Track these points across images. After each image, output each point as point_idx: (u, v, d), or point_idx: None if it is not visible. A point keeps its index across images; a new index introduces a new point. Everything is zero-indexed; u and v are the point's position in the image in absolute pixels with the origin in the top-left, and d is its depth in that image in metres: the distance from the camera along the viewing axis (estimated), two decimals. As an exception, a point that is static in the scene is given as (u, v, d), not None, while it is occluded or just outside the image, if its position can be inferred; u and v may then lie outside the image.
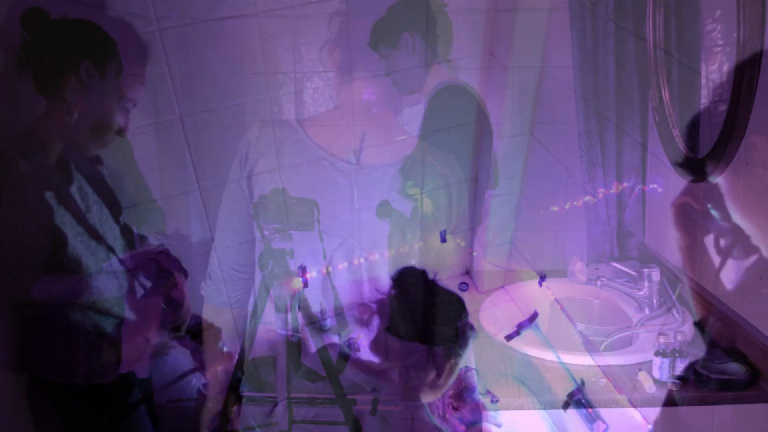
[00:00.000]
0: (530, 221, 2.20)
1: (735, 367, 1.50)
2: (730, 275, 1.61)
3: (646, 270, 1.83)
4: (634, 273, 1.92)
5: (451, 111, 1.99)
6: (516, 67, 2.18)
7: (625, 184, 2.16)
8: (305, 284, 1.76)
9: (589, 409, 1.69)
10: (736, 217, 1.56)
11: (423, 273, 1.52)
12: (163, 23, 1.83)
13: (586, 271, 2.05)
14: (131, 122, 1.52)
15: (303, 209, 1.81)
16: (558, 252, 2.26)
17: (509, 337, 1.60)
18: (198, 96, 2.15)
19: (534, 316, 1.65)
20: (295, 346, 1.84)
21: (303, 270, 1.74)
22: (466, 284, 1.88)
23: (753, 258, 1.51)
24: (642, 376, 1.52)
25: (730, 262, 1.61)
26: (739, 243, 1.57)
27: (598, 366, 1.59)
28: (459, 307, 1.47)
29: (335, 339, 1.81)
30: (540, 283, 1.93)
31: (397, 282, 1.48)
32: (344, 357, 1.77)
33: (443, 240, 1.94)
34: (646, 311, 1.83)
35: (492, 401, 1.51)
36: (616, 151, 2.11)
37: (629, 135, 2.10)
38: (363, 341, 1.73)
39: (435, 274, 1.52)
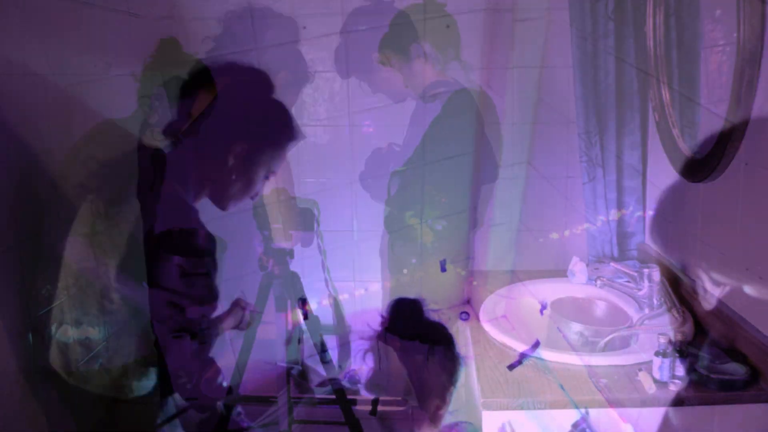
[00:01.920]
0: (531, 221, 2.20)
1: (735, 367, 1.50)
2: (730, 275, 1.61)
3: (646, 270, 1.83)
4: (634, 273, 1.91)
5: (462, 115, 2.00)
6: (516, 68, 2.19)
7: (626, 186, 2.16)
8: (305, 316, 1.77)
9: None
10: (737, 217, 1.56)
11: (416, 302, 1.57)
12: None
13: (586, 271, 2.05)
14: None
15: (303, 209, 1.81)
16: (558, 252, 2.26)
17: (512, 367, 1.62)
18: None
19: (536, 345, 1.67)
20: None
21: (303, 302, 1.75)
22: (467, 313, 1.89)
23: (753, 258, 1.51)
24: (642, 376, 1.52)
25: (730, 262, 1.61)
26: (739, 243, 1.57)
27: (599, 366, 1.59)
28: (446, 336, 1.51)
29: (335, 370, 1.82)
30: (541, 312, 1.95)
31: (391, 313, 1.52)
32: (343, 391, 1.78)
33: (443, 269, 1.95)
34: (646, 311, 1.82)
35: None
36: (616, 151, 2.11)
37: (629, 135, 2.10)
38: (363, 373, 1.75)
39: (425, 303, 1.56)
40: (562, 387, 1.59)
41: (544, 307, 1.94)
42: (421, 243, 1.99)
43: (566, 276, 2.08)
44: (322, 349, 1.86)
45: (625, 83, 2.05)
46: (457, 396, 1.78)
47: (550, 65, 2.16)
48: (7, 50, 1.40)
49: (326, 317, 2.02)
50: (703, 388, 1.48)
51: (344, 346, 1.93)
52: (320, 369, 1.94)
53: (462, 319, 1.89)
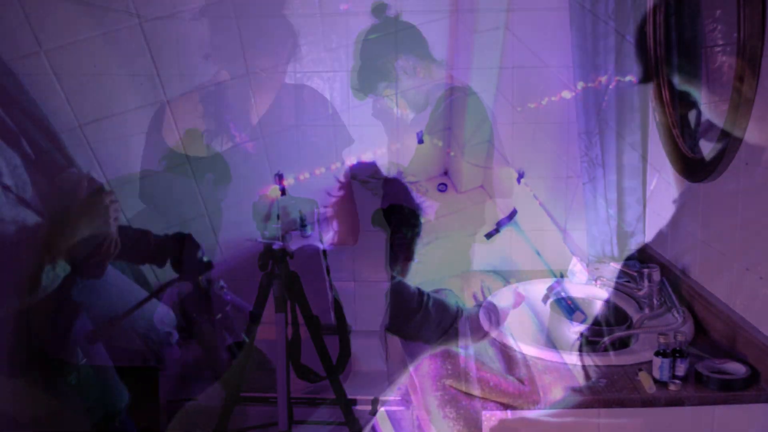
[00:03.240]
0: (530, 221, 2.20)
1: (735, 367, 1.50)
2: (730, 275, 1.61)
3: (646, 270, 1.83)
4: (634, 273, 1.91)
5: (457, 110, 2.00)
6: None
7: (626, 186, 2.16)
8: (283, 191, 1.75)
9: (569, 301, 1.70)
10: (736, 217, 1.56)
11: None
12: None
13: (586, 271, 2.04)
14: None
15: (304, 209, 1.81)
16: (558, 252, 2.26)
17: (489, 235, 1.62)
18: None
19: (513, 214, 1.66)
20: (294, 345, 1.84)
21: (280, 177, 1.73)
22: (445, 185, 1.88)
23: (753, 258, 1.51)
24: (642, 376, 1.52)
25: (730, 263, 1.61)
26: (739, 243, 1.57)
27: (599, 366, 1.59)
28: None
29: (316, 243, 1.82)
30: (518, 181, 1.94)
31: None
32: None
33: (420, 141, 1.93)
34: (646, 311, 1.83)
35: None
36: (616, 151, 2.11)
37: (629, 135, 2.10)
38: (328, 213, 1.75)
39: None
40: (538, 253, 1.60)
41: (521, 176, 1.94)
42: (398, 114, 1.98)
43: (566, 276, 2.08)
44: (302, 224, 1.84)
45: (625, 83, 2.05)
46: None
47: (551, 65, 2.16)
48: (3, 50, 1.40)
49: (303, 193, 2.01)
50: (703, 388, 1.48)
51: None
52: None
53: (440, 190, 1.89)
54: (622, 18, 2.00)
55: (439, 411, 1.52)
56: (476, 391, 1.49)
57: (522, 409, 1.47)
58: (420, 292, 1.65)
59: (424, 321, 1.61)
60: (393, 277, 1.63)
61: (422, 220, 1.61)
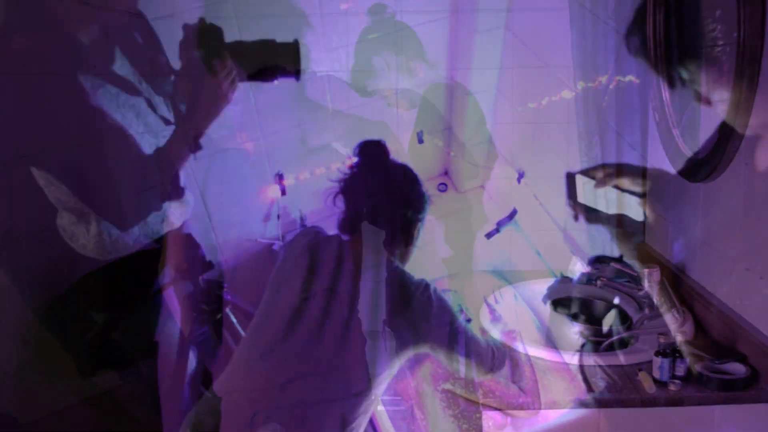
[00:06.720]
0: (530, 221, 2.20)
1: (735, 367, 1.50)
2: (730, 275, 1.61)
3: (646, 270, 1.83)
4: (634, 273, 1.91)
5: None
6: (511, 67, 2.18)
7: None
8: (283, 192, 1.74)
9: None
10: (737, 217, 1.56)
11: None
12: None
13: (586, 271, 2.04)
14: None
15: None
16: (558, 252, 2.26)
17: (489, 235, 1.61)
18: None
19: (513, 213, 1.66)
20: None
21: (280, 177, 1.72)
22: (445, 184, 1.88)
23: (753, 258, 1.51)
24: (642, 376, 1.52)
25: (730, 263, 1.61)
26: (739, 243, 1.57)
27: (599, 366, 1.59)
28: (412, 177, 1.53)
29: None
30: (519, 180, 1.93)
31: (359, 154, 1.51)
32: None
33: (420, 141, 1.93)
34: (646, 311, 1.82)
35: (465, 320, 1.56)
36: (616, 151, 2.11)
37: (629, 135, 2.10)
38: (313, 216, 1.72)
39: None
40: (538, 253, 1.59)
41: (521, 176, 1.93)
42: (398, 113, 1.97)
43: (566, 276, 2.07)
44: (302, 224, 1.83)
45: (625, 83, 2.05)
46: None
47: (551, 65, 2.16)
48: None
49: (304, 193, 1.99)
50: (703, 388, 1.48)
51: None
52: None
53: (440, 190, 1.88)
54: (622, 18, 2.00)
55: (438, 412, 1.52)
56: (476, 397, 1.48)
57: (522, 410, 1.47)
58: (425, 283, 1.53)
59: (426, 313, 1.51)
60: (392, 264, 1.50)
61: (426, 204, 1.55)
